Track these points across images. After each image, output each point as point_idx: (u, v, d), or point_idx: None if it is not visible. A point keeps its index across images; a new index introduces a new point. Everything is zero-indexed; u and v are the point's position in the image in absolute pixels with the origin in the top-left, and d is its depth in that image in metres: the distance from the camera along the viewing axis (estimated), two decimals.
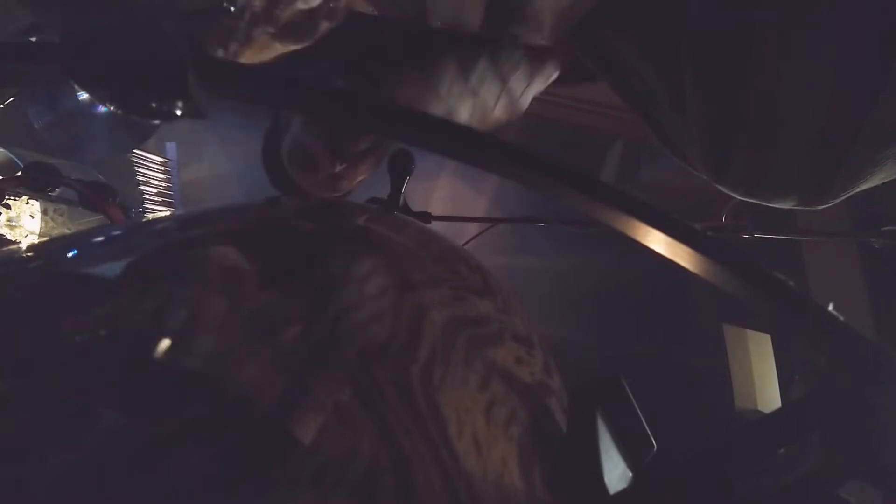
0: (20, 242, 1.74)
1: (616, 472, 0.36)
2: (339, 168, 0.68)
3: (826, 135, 0.47)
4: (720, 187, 0.57)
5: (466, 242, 1.14)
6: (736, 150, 0.52)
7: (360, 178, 0.72)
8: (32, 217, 1.84)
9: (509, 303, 0.48)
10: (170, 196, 2.61)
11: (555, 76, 0.69)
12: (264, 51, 0.60)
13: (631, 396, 0.39)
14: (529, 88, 0.69)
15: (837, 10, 0.42)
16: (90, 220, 1.79)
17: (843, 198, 0.52)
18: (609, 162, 2.41)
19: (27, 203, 1.81)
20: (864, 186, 0.51)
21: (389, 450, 0.28)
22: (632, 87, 0.58)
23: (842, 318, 0.36)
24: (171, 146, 2.65)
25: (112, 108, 0.35)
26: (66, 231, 1.90)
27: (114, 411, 0.24)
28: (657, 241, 0.38)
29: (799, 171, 0.51)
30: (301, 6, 0.57)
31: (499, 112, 0.69)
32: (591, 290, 2.39)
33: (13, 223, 1.79)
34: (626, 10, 0.52)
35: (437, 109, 0.66)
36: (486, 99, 0.67)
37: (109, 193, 1.06)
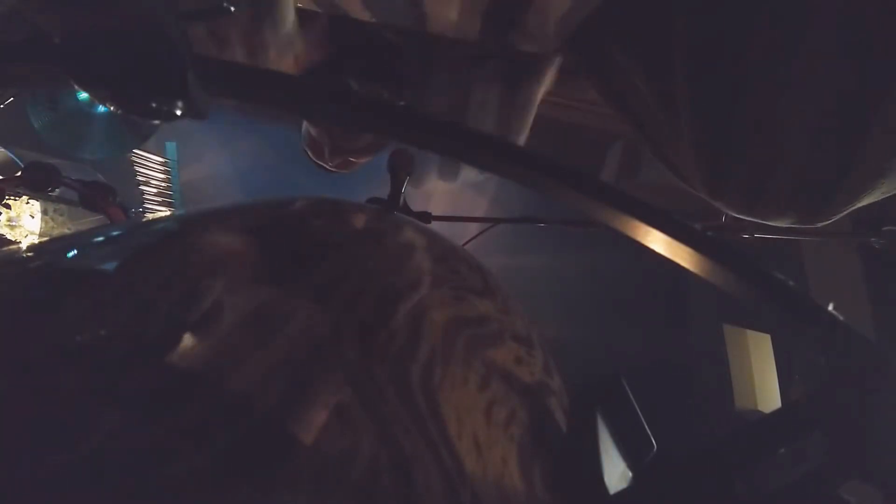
0: (20, 242, 1.74)
1: (616, 472, 0.36)
2: (336, 160, 0.81)
3: (828, 147, 0.45)
4: (717, 204, 0.56)
5: (466, 242, 1.14)
6: (732, 167, 0.51)
7: (363, 162, 0.85)
8: (32, 217, 1.84)
9: (509, 303, 0.48)
10: (170, 196, 2.61)
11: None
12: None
13: (631, 396, 0.39)
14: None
15: (842, 14, 0.41)
16: (90, 220, 1.79)
17: (841, 215, 0.51)
18: (609, 162, 2.41)
19: (27, 203, 1.81)
20: (866, 201, 0.49)
21: (389, 450, 0.28)
22: (628, 101, 0.58)
23: (842, 318, 0.35)
24: (171, 146, 2.65)
25: (112, 108, 0.35)
26: (66, 231, 1.90)
27: (114, 411, 0.24)
28: (657, 241, 0.38)
29: (798, 187, 0.49)
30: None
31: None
32: (591, 290, 2.39)
33: (13, 223, 1.79)
34: (621, 20, 0.52)
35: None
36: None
37: (109, 193, 1.06)
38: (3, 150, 1.79)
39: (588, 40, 0.52)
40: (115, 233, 0.50)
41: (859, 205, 0.50)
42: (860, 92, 0.42)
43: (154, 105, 0.34)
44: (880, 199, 0.49)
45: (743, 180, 0.52)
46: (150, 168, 2.53)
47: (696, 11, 0.47)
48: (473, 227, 1.29)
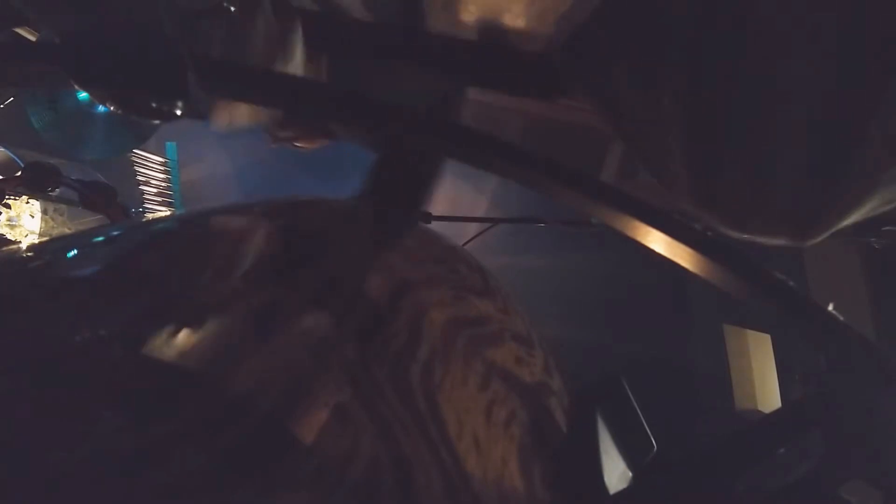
0: (20, 242, 1.74)
1: (616, 472, 0.36)
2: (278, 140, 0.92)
3: (819, 160, 0.45)
4: (709, 221, 0.55)
5: (466, 242, 1.14)
6: (723, 184, 0.50)
7: (307, 147, 0.96)
8: (32, 217, 1.84)
9: (509, 303, 0.48)
10: (170, 196, 2.61)
11: None
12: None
13: (631, 396, 0.39)
14: None
15: (833, 28, 0.41)
16: (90, 220, 1.79)
17: (831, 231, 0.49)
18: (609, 162, 2.41)
19: (27, 203, 1.81)
20: (855, 218, 0.48)
21: (389, 450, 0.28)
22: (620, 117, 0.57)
23: (842, 318, 0.36)
24: (171, 146, 2.65)
25: (112, 108, 0.35)
26: (66, 231, 1.90)
27: (113, 411, 0.24)
28: (657, 241, 0.38)
29: (789, 203, 0.48)
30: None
31: None
32: (591, 290, 2.39)
33: (13, 223, 1.79)
34: (614, 29, 0.51)
35: None
36: None
37: (109, 193, 1.07)
38: (3, 150, 1.79)
39: (582, 47, 0.52)
40: (115, 233, 0.50)
41: (849, 222, 0.49)
42: (855, 101, 0.42)
43: (154, 105, 0.34)
44: (870, 215, 0.48)
45: (734, 197, 0.51)
46: (150, 168, 2.53)
47: (690, 23, 0.46)
48: (473, 227, 1.29)
